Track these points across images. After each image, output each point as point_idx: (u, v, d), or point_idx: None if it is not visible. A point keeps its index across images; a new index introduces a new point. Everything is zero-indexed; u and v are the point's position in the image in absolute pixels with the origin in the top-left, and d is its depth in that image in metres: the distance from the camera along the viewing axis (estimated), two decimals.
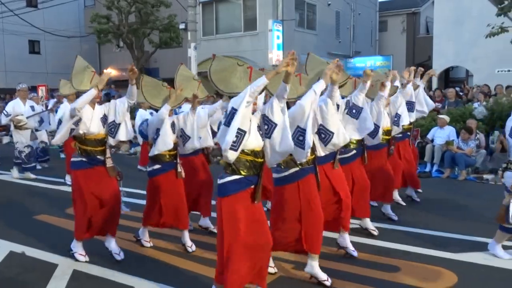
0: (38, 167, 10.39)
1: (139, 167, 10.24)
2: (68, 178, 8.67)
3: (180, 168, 5.08)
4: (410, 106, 6.46)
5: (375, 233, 5.43)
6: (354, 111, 4.80)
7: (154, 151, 4.89)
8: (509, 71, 17.04)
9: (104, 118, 4.75)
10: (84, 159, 4.68)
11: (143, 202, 5.34)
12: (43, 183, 9.14)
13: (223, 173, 3.45)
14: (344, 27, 24.16)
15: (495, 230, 4.77)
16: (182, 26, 19.15)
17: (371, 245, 5.14)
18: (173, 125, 5.01)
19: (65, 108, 8.38)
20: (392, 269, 4.50)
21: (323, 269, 4.16)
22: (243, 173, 3.39)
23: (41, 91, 16.20)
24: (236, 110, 3.22)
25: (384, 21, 27.62)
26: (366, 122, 4.83)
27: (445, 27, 18.76)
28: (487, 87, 12.82)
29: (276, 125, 3.39)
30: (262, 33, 19.78)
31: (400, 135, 6.54)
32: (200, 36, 20.99)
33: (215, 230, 5.49)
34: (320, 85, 3.70)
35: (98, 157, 4.71)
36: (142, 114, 9.89)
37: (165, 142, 4.84)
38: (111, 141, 4.82)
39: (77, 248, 4.80)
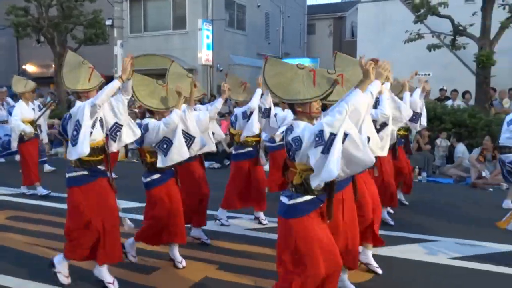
0: None
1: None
2: (24, 189, 7.93)
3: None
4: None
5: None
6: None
7: (166, 161, 4.29)
8: (425, 75, 18.11)
9: (101, 122, 4.03)
10: (85, 172, 3.94)
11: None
12: None
13: (290, 192, 3.10)
14: (274, 28, 24.53)
15: (412, 224, 5.04)
16: (108, 22, 18.51)
17: None
18: None
19: (21, 107, 7.73)
20: None
21: (242, 267, 4.16)
22: (316, 192, 3.04)
23: None
24: (335, 135, 2.78)
25: (312, 24, 28.40)
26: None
27: (368, 32, 19.60)
28: None
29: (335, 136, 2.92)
30: (192, 32, 19.61)
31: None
32: (128, 33, 20.41)
33: (208, 241, 5.28)
34: (377, 86, 3.14)
35: (99, 167, 4.03)
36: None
37: (181, 152, 4.31)
38: (114, 146, 4.16)
39: (62, 267, 4.12)
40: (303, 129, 2.95)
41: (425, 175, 9.52)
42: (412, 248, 5.15)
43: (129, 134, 4.17)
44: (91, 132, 3.82)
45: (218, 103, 5.25)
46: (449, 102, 11.81)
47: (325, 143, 2.78)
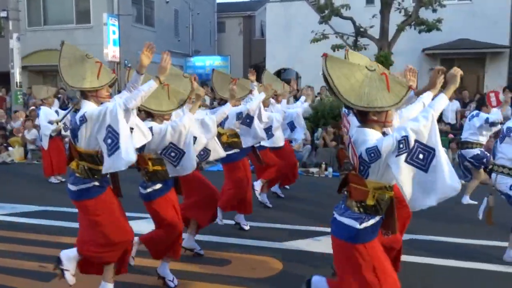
0: None
1: (52, 179, 8.90)
2: None
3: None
4: None
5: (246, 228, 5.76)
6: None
7: (178, 171, 3.86)
8: None
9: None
10: (96, 183, 3.42)
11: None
12: None
13: (358, 213, 2.79)
14: (183, 26, 24.23)
15: (319, 217, 5.11)
16: (3, 14, 17.09)
17: (205, 241, 5.20)
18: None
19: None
20: (223, 262, 4.61)
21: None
22: (381, 212, 2.80)
23: None
24: (432, 148, 2.56)
25: (223, 22, 28.46)
26: None
27: (276, 31, 20.01)
28: (311, 88, 14.02)
29: (434, 150, 2.59)
30: (97, 26, 18.73)
31: None
32: (25, 26, 19.06)
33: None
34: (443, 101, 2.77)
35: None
36: (47, 112, 8.50)
37: (193, 161, 3.85)
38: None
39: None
40: (379, 138, 2.68)
41: (331, 170, 9.92)
42: (315, 240, 5.31)
43: (139, 136, 3.54)
44: None
45: (226, 108, 4.70)
46: None
47: (409, 150, 2.56)
